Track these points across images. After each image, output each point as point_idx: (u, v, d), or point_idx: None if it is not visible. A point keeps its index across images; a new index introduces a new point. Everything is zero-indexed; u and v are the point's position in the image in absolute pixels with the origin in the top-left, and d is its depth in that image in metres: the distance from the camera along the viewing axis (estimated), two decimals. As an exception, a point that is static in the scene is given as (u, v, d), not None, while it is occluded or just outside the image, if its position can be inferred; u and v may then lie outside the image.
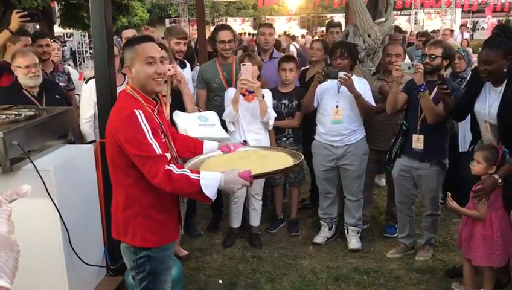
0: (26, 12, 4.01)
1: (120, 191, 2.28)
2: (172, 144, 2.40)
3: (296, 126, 4.35)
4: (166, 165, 2.11)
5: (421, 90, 3.53)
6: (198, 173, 2.14)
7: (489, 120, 3.16)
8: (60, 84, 4.55)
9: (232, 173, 2.13)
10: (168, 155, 2.19)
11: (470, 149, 3.66)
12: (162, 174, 2.08)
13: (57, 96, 3.77)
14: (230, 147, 2.58)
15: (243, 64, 3.76)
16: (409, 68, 3.54)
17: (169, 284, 2.44)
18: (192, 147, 2.58)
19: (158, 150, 2.12)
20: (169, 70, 3.49)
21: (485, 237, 3.15)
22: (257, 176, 2.21)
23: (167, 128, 2.40)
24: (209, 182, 2.10)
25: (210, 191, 2.10)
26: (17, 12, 3.93)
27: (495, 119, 3.11)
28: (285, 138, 4.37)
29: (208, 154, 2.54)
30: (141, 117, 2.13)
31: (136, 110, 2.13)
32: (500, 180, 3.02)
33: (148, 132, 2.12)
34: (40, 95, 3.68)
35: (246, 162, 2.37)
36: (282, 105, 4.32)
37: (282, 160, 2.44)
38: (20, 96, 3.57)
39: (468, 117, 4.38)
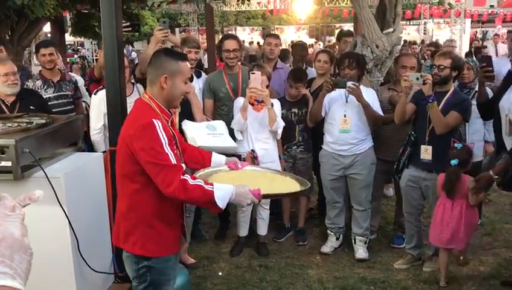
0: (128, 23, 4.08)
1: (124, 197, 2.32)
2: (182, 157, 2.43)
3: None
4: (181, 175, 2.14)
5: (430, 101, 3.54)
6: (212, 184, 2.19)
7: (510, 115, 3.22)
8: (67, 93, 4.61)
9: (243, 187, 2.18)
10: (184, 165, 2.22)
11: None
12: (177, 183, 2.11)
13: (31, 108, 3.68)
14: (238, 165, 2.60)
15: (252, 73, 3.79)
16: (417, 79, 3.55)
17: None
18: (200, 159, 2.62)
19: (173, 160, 2.16)
20: None
21: (443, 220, 3.52)
22: (266, 196, 2.28)
23: (179, 140, 2.45)
24: (222, 194, 2.15)
25: (222, 203, 2.15)
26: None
27: None
28: (295, 146, 4.39)
29: (215, 168, 2.57)
30: (159, 127, 2.17)
31: (154, 120, 2.17)
32: (496, 176, 3.15)
33: (165, 142, 2.16)
34: (13, 105, 3.69)
35: (254, 182, 2.39)
36: (292, 114, 4.35)
37: (289, 185, 2.47)
38: None
39: (477, 127, 4.38)
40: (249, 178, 2.48)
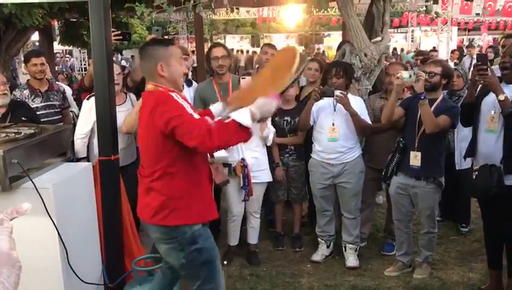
0: (119, 32, 4.09)
1: (159, 176, 2.36)
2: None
3: (300, 143, 4.40)
4: (206, 125, 2.20)
5: (421, 98, 3.56)
6: (229, 117, 2.26)
7: (496, 111, 3.24)
8: (55, 102, 4.58)
9: (261, 100, 2.24)
10: (208, 118, 2.33)
11: (465, 157, 3.73)
12: (205, 129, 2.17)
13: (23, 119, 3.66)
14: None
15: (242, 78, 3.80)
16: (410, 76, 3.56)
17: (220, 274, 2.54)
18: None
19: (197, 116, 2.28)
20: None
21: None
22: (282, 92, 2.41)
23: None
24: (241, 116, 2.20)
25: (247, 122, 2.19)
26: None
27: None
28: (287, 155, 4.42)
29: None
30: (177, 97, 2.29)
31: (170, 93, 2.29)
32: None
33: (186, 106, 2.28)
34: (4, 116, 3.66)
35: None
36: (285, 122, 4.36)
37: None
38: None
39: (466, 134, 4.42)
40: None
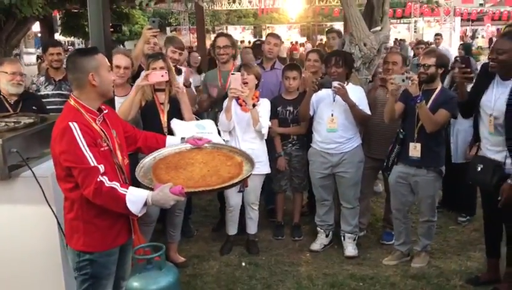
0: (110, 24, 4.11)
1: (65, 196, 2.40)
2: (118, 152, 2.45)
3: (303, 133, 4.41)
4: (100, 177, 2.18)
5: (418, 101, 3.56)
6: (127, 187, 2.22)
7: (494, 113, 3.22)
8: (65, 92, 4.63)
9: (162, 191, 2.18)
10: (102, 167, 2.22)
11: (470, 146, 3.69)
12: (93, 185, 2.17)
13: (33, 108, 3.78)
14: (198, 142, 2.67)
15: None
16: (403, 81, 3.57)
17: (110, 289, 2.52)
18: (154, 144, 2.69)
19: (92, 162, 2.20)
20: (162, 76, 3.55)
21: None
22: (189, 193, 2.27)
23: (111, 135, 2.43)
24: (134, 199, 2.19)
25: (135, 207, 2.20)
26: None
27: (500, 112, 3.17)
28: (290, 144, 4.44)
29: (175, 147, 2.66)
30: (75, 129, 2.21)
31: (70, 123, 2.22)
32: None
33: (82, 143, 2.20)
34: (16, 104, 3.79)
35: (189, 171, 2.42)
36: (287, 112, 4.38)
37: (234, 168, 2.47)
38: None
39: (462, 128, 4.41)
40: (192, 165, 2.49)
